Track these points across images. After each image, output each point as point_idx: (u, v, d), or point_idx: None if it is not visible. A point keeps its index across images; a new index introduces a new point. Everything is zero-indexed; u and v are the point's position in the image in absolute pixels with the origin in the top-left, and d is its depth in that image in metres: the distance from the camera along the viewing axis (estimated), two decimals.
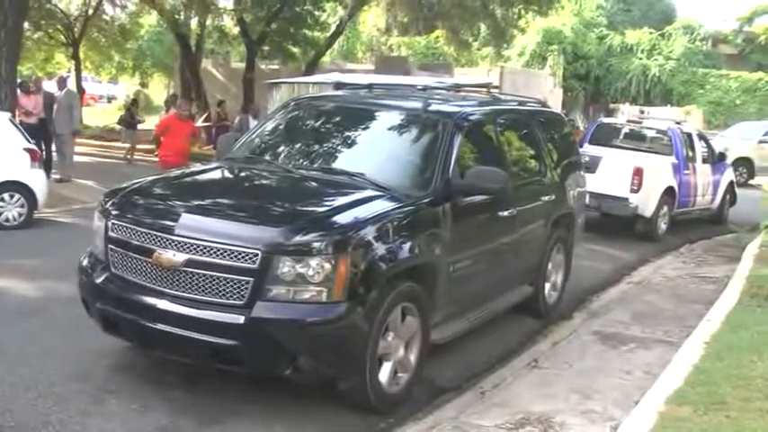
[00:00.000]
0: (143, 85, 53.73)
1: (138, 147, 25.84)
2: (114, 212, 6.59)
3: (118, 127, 27.87)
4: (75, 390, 6.51)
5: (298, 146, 8.13)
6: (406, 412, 6.61)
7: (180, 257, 5.96)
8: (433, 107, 8.10)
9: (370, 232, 6.14)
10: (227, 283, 5.85)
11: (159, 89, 49.16)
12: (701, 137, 18.36)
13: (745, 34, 50.52)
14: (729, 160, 20.61)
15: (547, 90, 33.47)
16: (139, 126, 26.11)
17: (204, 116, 27.12)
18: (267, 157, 8.05)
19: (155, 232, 6.18)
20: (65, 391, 6.46)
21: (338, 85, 16.67)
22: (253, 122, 19.63)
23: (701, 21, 50.75)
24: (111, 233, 6.52)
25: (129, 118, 26.11)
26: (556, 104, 31.12)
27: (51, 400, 6.27)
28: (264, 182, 7.53)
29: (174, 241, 6.03)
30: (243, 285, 5.81)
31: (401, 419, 6.48)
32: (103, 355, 7.21)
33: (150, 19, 39.45)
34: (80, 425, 5.93)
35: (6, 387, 6.47)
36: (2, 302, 8.86)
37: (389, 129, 8.02)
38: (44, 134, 18.66)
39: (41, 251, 11.36)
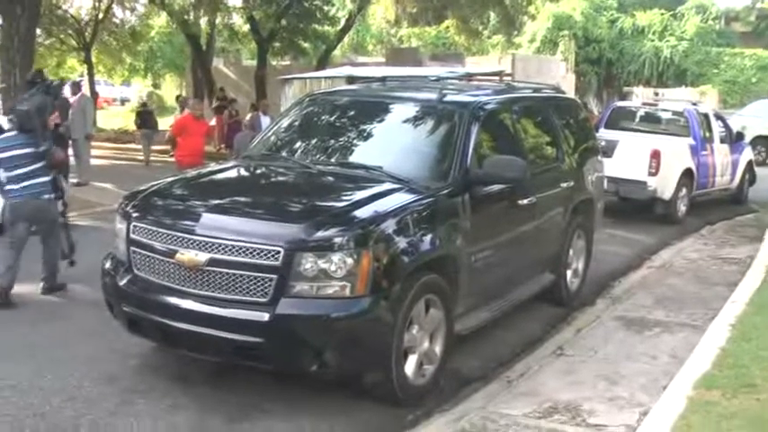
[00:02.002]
0: (155, 86, 53.90)
1: (153, 148, 25.91)
2: (135, 214, 6.61)
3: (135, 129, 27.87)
4: (104, 391, 6.54)
5: (314, 141, 8.14)
6: (433, 404, 6.61)
7: (202, 257, 5.97)
8: (449, 98, 8.06)
9: (390, 226, 6.13)
10: (251, 280, 5.86)
11: (171, 90, 49.29)
12: (718, 117, 18.22)
13: (759, 11, 50.21)
14: (747, 139, 20.45)
15: (559, 76, 33.33)
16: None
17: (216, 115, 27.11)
18: (284, 154, 8.05)
19: (176, 233, 6.20)
20: (93, 393, 6.50)
21: (350, 79, 16.66)
22: (264, 119, 19.59)
23: None
24: (132, 235, 6.54)
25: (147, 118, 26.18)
26: (569, 90, 30.98)
27: (81, 403, 6.30)
28: (283, 178, 7.55)
29: (195, 241, 6.05)
30: (266, 283, 5.82)
31: (429, 411, 6.48)
32: (130, 356, 7.25)
33: (160, 20, 39.55)
34: (110, 426, 5.97)
35: (35, 391, 6.50)
36: (27, 307, 8.90)
37: (405, 121, 7.99)
38: (61, 139, 18.72)
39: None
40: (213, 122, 24.41)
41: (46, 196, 9.29)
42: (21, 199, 9.16)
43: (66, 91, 22.39)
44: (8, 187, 9.20)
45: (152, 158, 24.42)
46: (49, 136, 9.44)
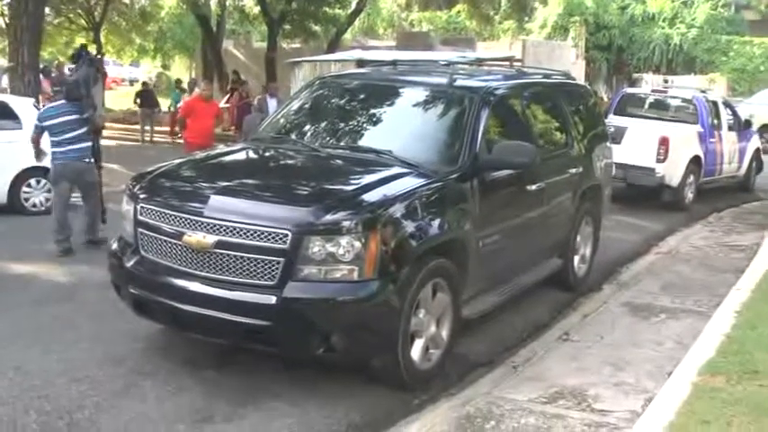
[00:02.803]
0: (165, 67, 53.85)
1: (157, 129, 25.96)
2: (143, 196, 6.60)
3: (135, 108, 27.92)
4: (110, 373, 6.55)
5: (324, 125, 8.12)
6: (439, 388, 6.62)
7: (210, 239, 5.96)
8: (459, 82, 8.04)
9: (399, 209, 6.12)
10: (258, 263, 5.86)
11: (181, 71, 49.24)
12: (727, 104, 18.21)
13: None
14: (755, 127, 20.43)
15: (570, 62, 33.31)
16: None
17: (227, 96, 27.10)
18: (293, 137, 8.05)
19: (184, 215, 6.19)
20: (99, 375, 6.51)
21: (360, 63, 16.63)
22: (271, 102, 19.57)
23: None
24: (140, 217, 6.54)
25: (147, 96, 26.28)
26: (579, 76, 30.95)
27: (86, 384, 6.32)
28: (291, 161, 7.53)
29: (203, 223, 6.04)
30: (274, 266, 5.82)
31: (435, 396, 6.50)
32: (136, 338, 7.26)
33: (170, 1, 39.45)
34: (115, 407, 5.98)
35: (41, 372, 6.52)
36: (33, 288, 8.94)
37: (415, 105, 7.98)
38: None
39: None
40: (223, 104, 24.41)
41: (87, 160, 10.62)
42: (65, 161, 10.42)
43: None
44: (54, 150, 10.43)
45: (156, 139, 24.43)
46: (92, 104, 10.62)
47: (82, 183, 10.64)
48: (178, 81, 30.40)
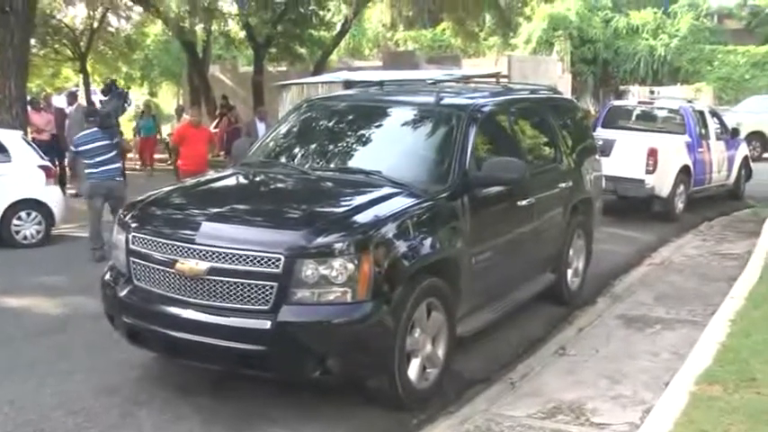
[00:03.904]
0: (152, 94, 53.77)
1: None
2: (134, 225, 6.59)
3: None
4: (106, 404, 6.52)
5: (313, 147, 8.12)
6: (437, 407, 6.60)
7: (202, 266, 5.96)
8: (446, 101, 8.07)
9: (390, 230, 6.13)
10: (252, 288, 5.85)
11: (168, 98, 49.17)
12: (714, 113, 18.29)
13: (751, 8, 50.19)
14: (743, 135, 20.50)
15: (556, 76, 33.38)
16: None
17: (216, 122, 27.08)
18: (283, 160, 8.06)
19: (176, 242, 6.18)
20: (95, 406, 6.48)
21: (348, 84, 16.67)
22: (260, 126, 19.58)
23: None
24: (132, 246, 6.52)
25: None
26: (565, 90, 31.01)
27: (82, 416, 6.29)
28: (282, 185, 7.55)
29: (195, 250, 6.03)
30: (267, 290, 5.81)
31: (433, 415, 6.48)
32: (131, 368, 7.23)
33: (155, 28, 39.42)
34: None
35: (37, 406, 6.48)
36: (27, 321, 8.92)
37: (403, 125, 8.00)
38: (57, 150, 18.74)
39: (62, 267, 11.41)
40: (212, 129, 24.42)
41: (118, 178, 12.28)
42: (99, 180, 11.91)
43: (62, 101, 22.45)
44: (89, 171, 12.01)
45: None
46: (119, 132, 12.89)
47: (112, 198, 11.93)
48: (147, 107, 30.25)
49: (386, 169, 7.11)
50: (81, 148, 12.06)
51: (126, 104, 13.25)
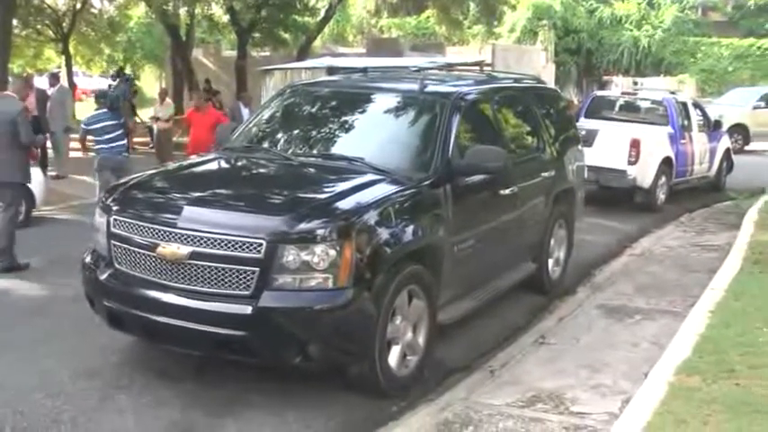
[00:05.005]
0: (135, 77, 53.52)
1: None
2: (116, 208, 6.57)
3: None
4: (85, 387, 6.50)
5: (296, 133, 8.10)
6: (417, 394, 6.62)
7: (184, 250, 5.94)
8: (430, 88, 8.06)
9: (372, 217, 6.13)
10: (233, 273, 5.84)
11: (151, 81, 48.96)
12: (697, 105, 18.33)
13: (735, 1, 50.35)
14: (725, 127, 20.57)
15: (539, 65, 33.29)
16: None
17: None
18: (266, 146, 8.05)
19: (157, 226, 6.16)
20: (75, 389, 6.46)
21: (331, 70, 16.63)
22: (244, 110, 19.52)
23: None
24: (113, 229, 6.49)
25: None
26: (549, 79, 30.99)
27: (62, 399, 6.26)
28: (264, 170, 7.52)
29: (177, 234, 6.02)
30: (249, 276, 5.80)
31: (413, 402, 6.49)
32: (111, 351, 7.20)
33: (139, 10, 39.21)
34: (92, 422, 5.94)
35: (16, 388, 6.45)
36: (6, 303, 8.87)
37: (387, 112, 8.00)
38: (39, 131, 18.59)
39: (42, 249, 11.32)
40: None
41: (124, 154, 13.01)
42: (107, 155, 12.71)
43: (44, 82, 22.32)
44: (98, 147, 12.84)
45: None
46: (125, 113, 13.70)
47: (119, 171, 12.17)
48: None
49: (369, 156, 7.11)
50: (91, 127, 12.96)
51: (131, 89, 14.33)
